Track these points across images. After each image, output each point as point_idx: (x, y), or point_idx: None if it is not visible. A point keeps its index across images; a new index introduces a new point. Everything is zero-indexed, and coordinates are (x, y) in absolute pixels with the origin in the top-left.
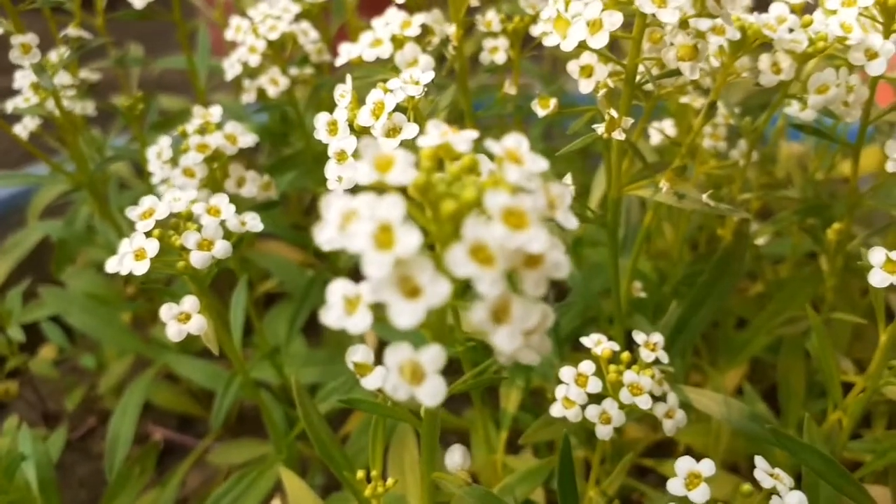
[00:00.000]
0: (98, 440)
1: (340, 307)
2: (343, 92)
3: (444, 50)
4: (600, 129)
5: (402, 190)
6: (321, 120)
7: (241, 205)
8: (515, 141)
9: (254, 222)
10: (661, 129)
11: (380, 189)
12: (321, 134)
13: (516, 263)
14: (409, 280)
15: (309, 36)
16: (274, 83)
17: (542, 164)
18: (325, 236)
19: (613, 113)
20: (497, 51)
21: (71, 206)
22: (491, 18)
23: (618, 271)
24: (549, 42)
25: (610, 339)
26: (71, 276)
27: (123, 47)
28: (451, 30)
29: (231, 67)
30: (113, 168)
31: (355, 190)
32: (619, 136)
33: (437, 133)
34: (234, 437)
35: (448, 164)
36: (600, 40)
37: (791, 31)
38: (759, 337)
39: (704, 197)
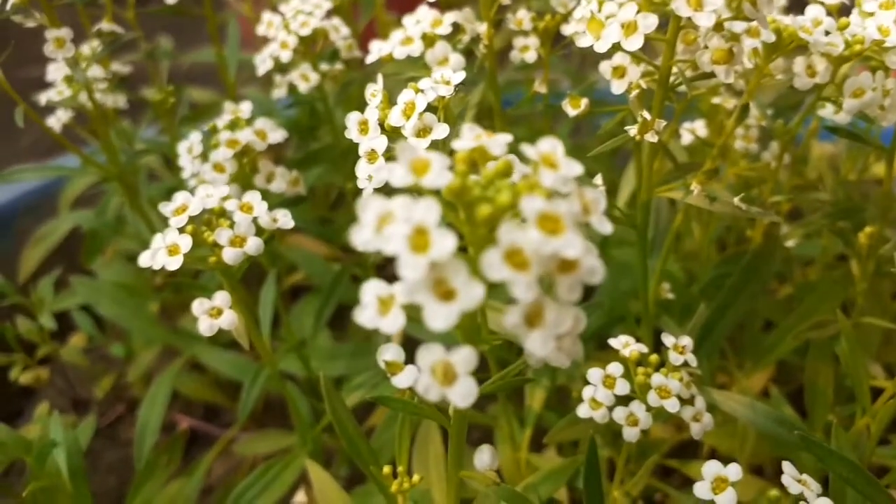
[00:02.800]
0: (126, 427)
1: (374, 307)
2: (374, 91)
3: (475, 48)
4: (633, 130)
5: (436, 192)
6: (352, 119)
7: (269, 200)
8: (551, 145)
9: (285, 219)
10: (693, 130)
11: (415, 191)
12: (352, 133)
13: (551, 268)
14: (443, 283)
15: (340, 32)
16: (305, 79)
17: (576, 168)
18: (362, 238)
19: (646, 115)
20: (527, 49)
21: (102, 197)
22: (522, 17)
23: (647, 273)
24: (582, 43)
25: (637, 339)
26: (101, 265)
27: (154, 38)
28: (482, 28)
29: (262, 63)
30: (143, 159)
31: (385, 190)
32: (651, 138)
33: (471, 136)
34: (259, 427)
35: (482, 167)
36: (635, 43)
37: (827, 33)
38: (787, 340)
39: (736, 200)
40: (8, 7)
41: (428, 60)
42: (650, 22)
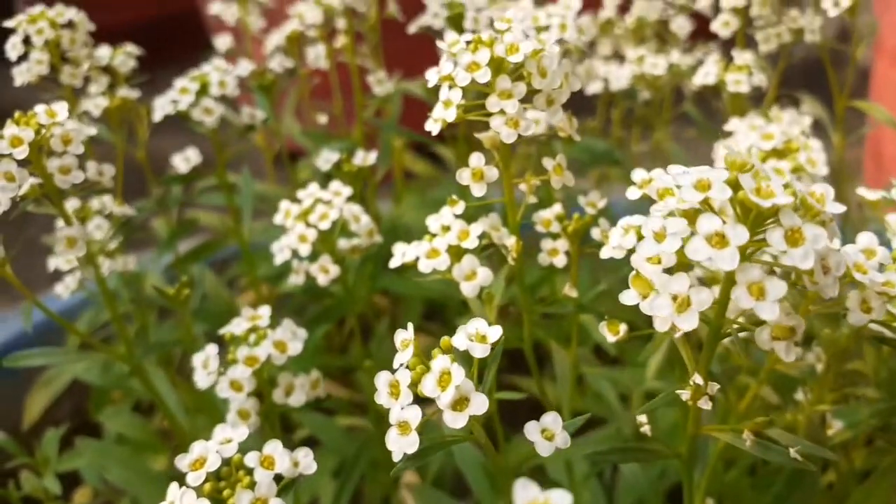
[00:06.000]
0: None
1: None
2: (405, 340)
3: (504, 251)
4: (685, 395)
5: None
6: (382, 380)
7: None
8: None
9: (307, 460)
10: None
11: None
12: (382, 397)
13: None
14: None
15: (361, 222)
16: (324, 271)
17: None
18: None
19: (699, 380)
20: (556, 253)
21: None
22: (549, 217)
23: (691, 487)
24: (626, 300)
25: None
26: (108, 416)
27: (164, 167)
28: (511, 241)
29: (280, 252)
30: (151, 283)
31: None
32: (705, 405)
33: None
34: None
35: None
36: (689, 321)
37: (882, 266)
38: None
39: (793, 452)
40: (18, 199)
41: (455, 275)
42: (704, 298)
